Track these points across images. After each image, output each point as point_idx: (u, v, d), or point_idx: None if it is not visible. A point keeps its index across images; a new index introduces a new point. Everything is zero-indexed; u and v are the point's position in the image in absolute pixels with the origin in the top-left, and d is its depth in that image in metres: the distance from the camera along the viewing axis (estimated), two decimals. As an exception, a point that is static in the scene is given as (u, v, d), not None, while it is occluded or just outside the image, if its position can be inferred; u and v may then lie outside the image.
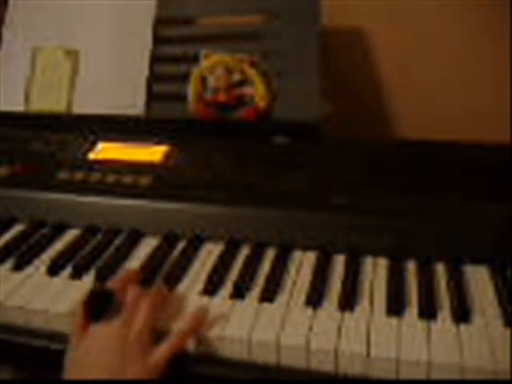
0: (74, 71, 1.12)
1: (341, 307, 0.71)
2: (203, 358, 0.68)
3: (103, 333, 0.67)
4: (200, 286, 0.77)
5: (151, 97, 1.09)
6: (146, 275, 0.78)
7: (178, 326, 0.69)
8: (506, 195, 0.82)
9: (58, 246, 0.88)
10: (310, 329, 0.68)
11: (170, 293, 0.75)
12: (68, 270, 0.81)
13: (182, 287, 0.77)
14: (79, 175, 0.95)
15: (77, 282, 0.79)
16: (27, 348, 0.73)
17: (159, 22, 1.11)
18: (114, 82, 1.10)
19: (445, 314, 0.70)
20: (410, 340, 0.65)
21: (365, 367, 0.64)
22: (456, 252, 0.80)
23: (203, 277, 0.78)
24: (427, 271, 0.77)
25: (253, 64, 1.03)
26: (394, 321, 0.69)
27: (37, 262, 0.84)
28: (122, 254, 0.85)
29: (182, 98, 1.06)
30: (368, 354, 0.64)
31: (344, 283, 0.75)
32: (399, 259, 0.80)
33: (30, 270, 0.82)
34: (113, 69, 1.11)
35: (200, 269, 0.81)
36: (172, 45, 1.10)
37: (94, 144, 1.02)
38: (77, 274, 0.80)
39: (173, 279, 0.78)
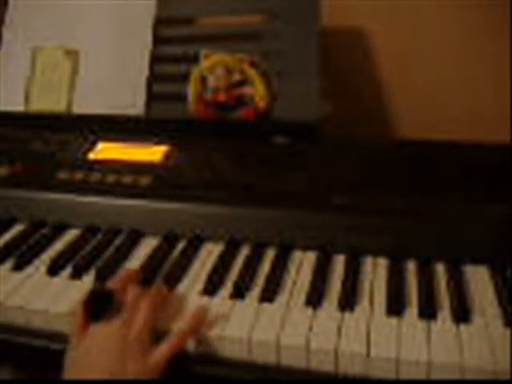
0: (74, 71, 1.12)
1: (341, 307, 0.71)
2: (203, 358, 0.68)
3: (103, 333, 0.67)
4: (200, 286, 0.77)
5: (151, 97, 1.09)
6: (146, 275, 0.78)
7: (178, 326, 0.69)
8: (506, 195, 0.82)
9: (58, 246, 0.88)
10: (310, 329, 0.68)
11: (170, 293, 0.75)
12: (68, 270, 0.81)
13: (182, 287, 0.77)
14: (79, 175, 0.95)
15: (77, 282, 0.79)
16: (27, 348, 0.73)
17: (159, 22, 1.10)
18: (114, 81, 1.10)
19: (445, 314, 0.70)
20: (410, 340, 0.65)
21: (365, 367, 0.64)
22: (456, 252, 0.80)
23: (203, 277, 0.78)
24: (427, 271, 0.77)
25: (253, 64, 1.03)
26: (394, 321, 0.69)
27: (37, 262, 0.84)
28: (122, 254, 0.85)
29: (182, 97, 1.06)
30: (368, 354, 0.64)
31: (344, 283, 0.75)
32: (399, 259, 0.80)
33: (30, 270, 0.82)
34: (113, 69, 1.10)
35: (200, 269, 0.81)
36: (172, 45, 1.10)
37: (93, 144, 1.02)
38: (77, 274, 0.80)
39: (173, 279, 0.78)
